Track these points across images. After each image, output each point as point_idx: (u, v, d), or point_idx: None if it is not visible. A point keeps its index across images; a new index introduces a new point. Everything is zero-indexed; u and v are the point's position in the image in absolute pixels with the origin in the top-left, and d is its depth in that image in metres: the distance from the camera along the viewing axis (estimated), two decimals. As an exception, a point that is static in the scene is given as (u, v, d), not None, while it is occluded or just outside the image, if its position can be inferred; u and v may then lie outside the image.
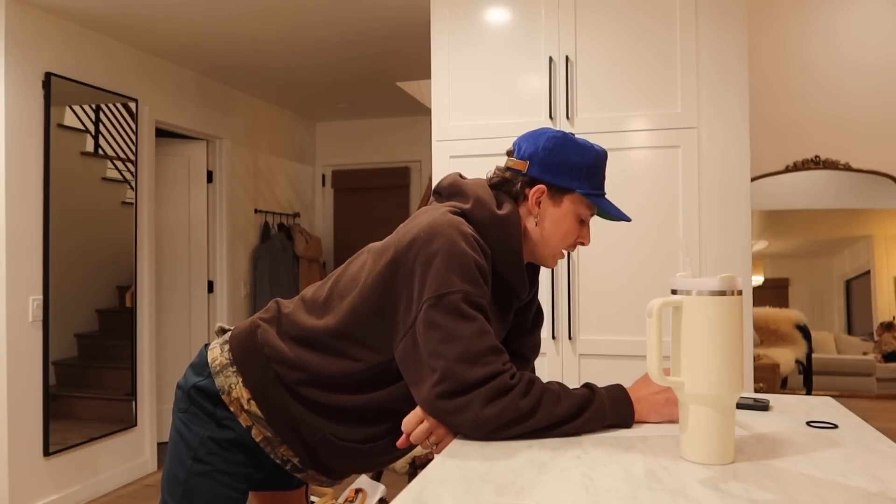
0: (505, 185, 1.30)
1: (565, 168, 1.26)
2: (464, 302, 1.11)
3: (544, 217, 1.28)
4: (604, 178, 1.30)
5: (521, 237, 1.27)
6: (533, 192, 1.27)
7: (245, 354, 1.28)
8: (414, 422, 1.14)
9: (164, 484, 1.31)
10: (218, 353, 1.30)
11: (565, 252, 1.34)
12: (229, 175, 4.73)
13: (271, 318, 1.31)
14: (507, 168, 1.31)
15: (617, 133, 2.50)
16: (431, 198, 1.38)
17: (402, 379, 1.20)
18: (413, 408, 1.20)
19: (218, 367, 1.28)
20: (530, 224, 1.29)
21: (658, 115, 2.48)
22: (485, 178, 1.34)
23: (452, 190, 1.31)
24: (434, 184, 2.70)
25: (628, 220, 1.31)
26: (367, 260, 1.24)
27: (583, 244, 1.33)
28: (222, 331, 1.39)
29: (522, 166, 1.28)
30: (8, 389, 3.04)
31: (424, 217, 1.21)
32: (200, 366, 1.31)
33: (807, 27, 3.09)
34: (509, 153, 1.33)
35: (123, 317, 3.76)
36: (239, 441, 1.27)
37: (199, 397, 1.29)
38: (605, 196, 1.31)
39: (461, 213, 1.23)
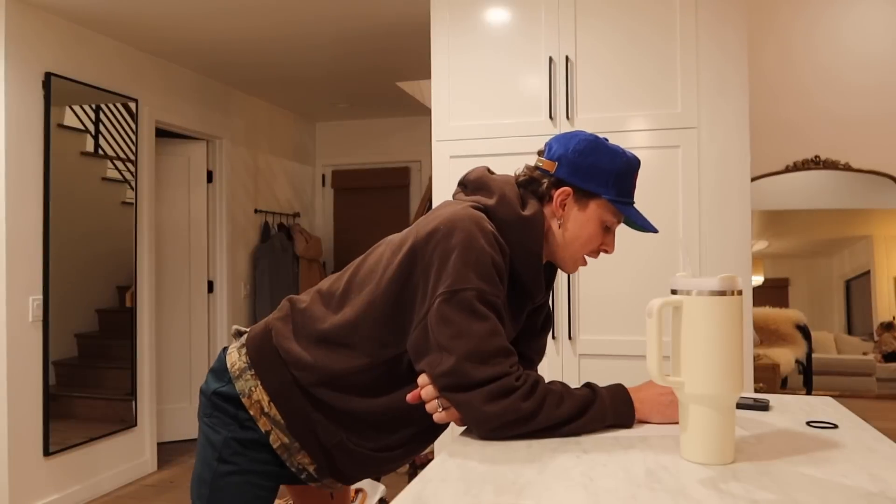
0: (532, 183, 1.28)
1: (594, 172, 1.24)
2: (478, 300, 1.10)
3: (568, 220, 1.26)
4: (634, 186, 1.28)
5: (542, 239, 1.25)
6: (558, 194, 1.25)
7: (261, 358, 1.28)
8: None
9: (192, 488, 1.32)
10: (236, 358, 1.30)
11: (587, 259, 1.31)
12: (229, 175, 4.73)
13: (285, 316, 1.31)
14: (536, 167, 1.29)
15: (617, 133, 2.50)
16: (456, 188, 1.36)
17: (412, 381, 1.19)
18: (425, 414, 1.20)
19: (237, 372, 1.28)
20: (554, 226, 1.27)
21: (658, 116, 2.48)
22: (513, 174, 1.32)
23: (479, 184, 1.29)
24: (436, 181, 2.70)
25: (655, 231, 1.29)
26: (385, 251, 1.24)
27: (606, 252, 1.31)
28: (238, 333, 1.39)
29: (551, 167, 1.26)
30: (8, 389, 3.04)
31: (446, 210, 1.20)
32: (221, 371, 1.32)
33: (807, 27, 3.09)
34: (540, 153, 1.31)
35: (123, 317, 3.76)
36: (261, 441, 1.27)
37: (221, 402, 1.29)
38: (634, 205, 1.29)
39: (484, 210, 1.22)
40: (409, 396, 1.16)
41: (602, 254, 1.34)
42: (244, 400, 1.26)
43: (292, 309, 1.31)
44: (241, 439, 1.27)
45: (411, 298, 1.16)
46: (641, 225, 1.28)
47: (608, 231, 1.29)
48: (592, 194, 1.25)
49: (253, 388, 1.26)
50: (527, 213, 1.23)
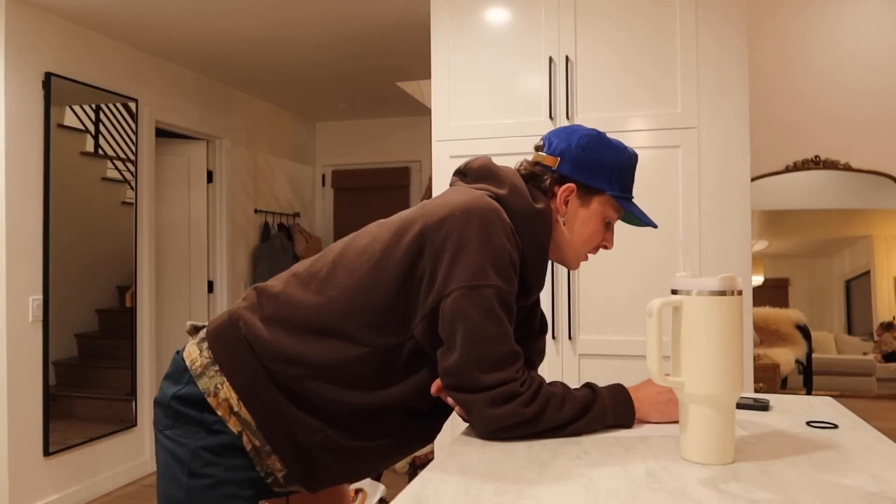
0: (533, 179, 1.24)
1: (597, 168, 1.21)
2: (496, 299, 1.07)
3: (572, 217, 1.24)
4: (633, 181, 1.26)
5: (551, 233, 1.22)
6: (562, 191, 1.22)
7: (228, 351, 1.16)
8: None
9: None
10: (197, 354, 1.17)
11: (589, 255, 1.29)
12: (229, 175, 4.73)
13: (252, 305, 1.20)
14: (537, 163, 1.25)
15: (617, 133, 2.50)
16: (453, 177, 1.31)
17: (411, 374, 1.15)
18: (425, 404, 1.19)
19: (199, 369, 1.15)
20: (558, 222, 1.24)
21: (658, 115, 2.48)
22: (513, 168, 1.28)
23: (484, 172, 1.24)
24: (436, 181, 2.69)
25: (655, 226, 1.26)
26: (381, 234, 1.15)
27: (606, 247, 1.29)
28: (195, 329, 1.26)
29: (553, 162, 1.22)
30: (8, 389, 3.04)
31: (458, 195, 1.14)
32: (177, 374, 1.18)
33: (807, 27, 3.09)
34: (538, 148, 1.27)
35: (123, 317, 3.76)
36: (234, 444, 1.14)
37: (181, 407, 1.16)
38: (633, 200, 1.27)
39: (496, 199, 1.17)
40: (433, 388, 1.14)
41: (602, 252, 1.33)
42: (210, 399, 1.13)
43: (260, 296, 1.20)
44: (212, 446, 1.13)
45: (417, 285, 1.10)
46: (642, 220, 1.26)
47: (608, 227, 1.27)
48: (596, 190, 1.22)
49: (219, 386, 1.13)
50: (539, 206, 1.20)
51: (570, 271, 2.53)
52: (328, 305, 1.14)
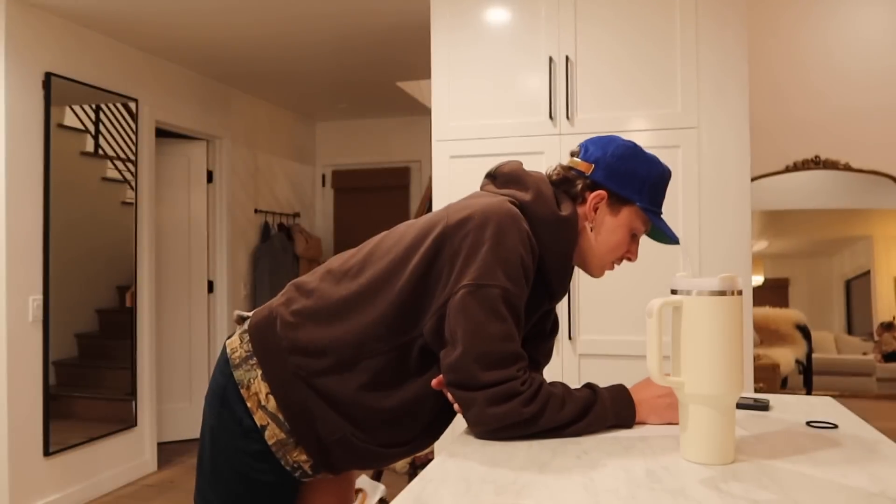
0: (565, 184, 1.26)
1: (630, 178, 1.23)
2: (502, 299, 1.10)
3: (600, 224, 1.26)
4: (664, 196, 1.28)
5: (576, 240, 1.24)
6: (593, 197, 1.24)
7: (265, 345, 1.22)
8: None
9: (205, 481, 1.26)
10: (238, 345, 1.25)
11: (614, 265, 1.30)
12: (229, 175, 4.73)
13: (288, 301, 1.26)
14: (570, 167, 1.27)
15: (617, 133, 2.50)
16: (483, 180, 1.34)
17: (423, 374, 1.18)
18: (436, 409, 1.20)
19: (238, 360, 1.23)
20: (585, 229, 1.26)
21: (658, 115, 2.48)
22: (544, 172, 1.31)
23: (512, 177, 1.27)
24: (436, 181, 2.70)
25: (677, 242, 1.27)
26: (408, 233, 1.21)
27: (630, 259, 1.31)
28: (241, 319, 1.32)
29: (587, 168, 1.25)
30: (8, 389, 3.04)
31: (481, 200, 1.18)
32: (224, 363, 1.26)
33: (807, 27, 3.09)
34: (573, 153, 1.29)
35: (123, 317, 3.76)
36: (268, 452, 1.21)
37: (228, 399, 1.23)
38: (661, 216, 1.28)
39: (519, 205, 1.20)
40: (434, 382, 1.16)
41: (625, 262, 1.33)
42: (242, 391, 1.20)
43: (298, 291, 1.26)
44: (252, 452, 1.21)
45: (433, 283, 1.14)
46: (668, 236, 1.27)
47: (634, 239, 1.29)
48: (626, 200, 1.24)
49: (252, 379, 1.20)
50: (564, 213, 1.22)
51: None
52: (355, 296, 1.19)
